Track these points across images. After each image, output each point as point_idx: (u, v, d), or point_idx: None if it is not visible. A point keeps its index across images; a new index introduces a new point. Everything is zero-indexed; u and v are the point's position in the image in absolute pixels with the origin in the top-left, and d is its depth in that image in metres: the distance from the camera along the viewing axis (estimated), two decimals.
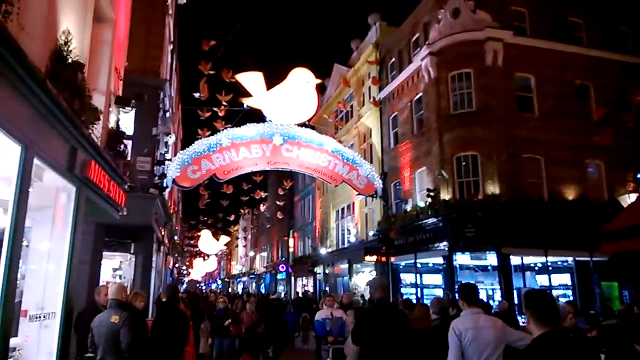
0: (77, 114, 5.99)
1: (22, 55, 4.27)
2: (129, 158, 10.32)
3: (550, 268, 17.79)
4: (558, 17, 20.00)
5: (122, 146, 9.04)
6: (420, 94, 20.76)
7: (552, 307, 3.44)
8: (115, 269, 13.66)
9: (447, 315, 6.09)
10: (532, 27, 19.63)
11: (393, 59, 23.90)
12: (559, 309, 4.24)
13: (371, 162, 23.51)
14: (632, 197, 16.98)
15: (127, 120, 10.77)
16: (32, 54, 4.57)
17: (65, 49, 5.75)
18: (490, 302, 16.50)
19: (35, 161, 5.19)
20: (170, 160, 16.44)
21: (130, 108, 9.69)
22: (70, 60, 5.81)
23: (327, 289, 29.32)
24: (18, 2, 4.21)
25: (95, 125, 6.92)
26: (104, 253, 11.91)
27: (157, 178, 14.56)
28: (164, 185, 15.16)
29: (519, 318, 15.52)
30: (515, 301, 15.74)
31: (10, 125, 4.49)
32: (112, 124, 8.91)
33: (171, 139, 18.66)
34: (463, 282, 17.32)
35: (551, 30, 19.61)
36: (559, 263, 18.12)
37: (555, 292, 17.44)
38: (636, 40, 20.32)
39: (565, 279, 17.98)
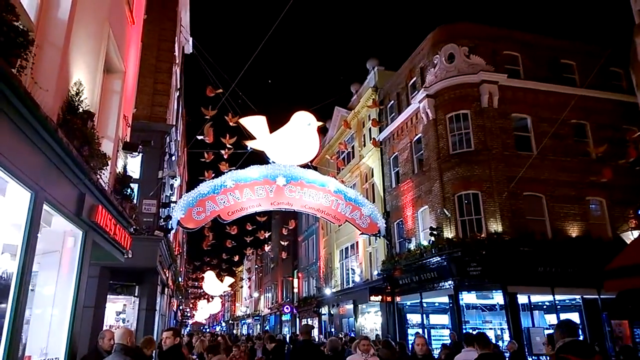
0: (86, 161, 6.17)
1: (35, 106, 4.48)
2: (135, 201, 10.48)
3: (558, 306, 17.60)
4: (550, 60, 20.61)
5: (129, 190, 9.21)
6: (420, 135, 21.12)
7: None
8: (119, 312, 13.61)
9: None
10: (525, 70, 20.21)
11: (392, 101, 24.40)
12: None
13: (373, 201, 23.68)
14: (635, 233, 17.00)
15: (134, 165, 11.02)
16: (45, 105, 4.78)
17: (77, 99, 5.99)
18: (499, 342, 16.30)
19: (45, 207, 5.28)
20: (175, 202, 16.63)
21: (137, 153, 9.91)
22: (81, 110, 6.04)
23: (333, 330, 28.91)
24: (33, 57, 4.46)
25: (103, 171, 7.11)
26: (108, 296, 11.91)
27: (162, 220, 14.70)
28: (169, 226, 15.30)
29: (529, 359, 15.37)
30: (524, 341, 15.52)
31: (21, 172, 4.62)
32: (119, 168, 9.11)
33: (176, 182, 18.92)
34: (470, 321, 17.31)
35: (544, 72, 20.21)
36: (567, 301, 17.97)
37: None
38: (629, 80, 20.79)
39: (574, 317, 17.64)
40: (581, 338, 15.87)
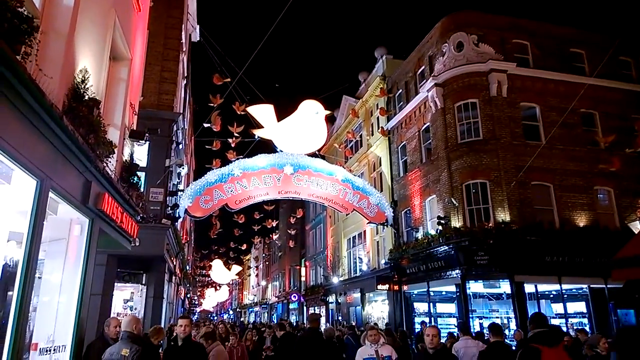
0: (92, 148, 6.16)
1: (40, 93, 4.46)
2: (142, 189, 10.50)
3: (565, 296, 17.57)
4: (560, 49, 20.41)
5: (136, 178, 9.22)
6: (428, 124, 21.01)
7: None
8: (127, 300, 13.72)
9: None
10: (534, 59, 20.01)
11: (400, 90, 24.26)
12: None
13: (381, 190, 23.64)
14: None
15: (141, 153, 11.03)
16: (50, 92, 4.76)
17: (82, 86, 5.97)
18: (506, 331, 16.30)
19: (51, 194, 5.29)
20: (182, 190, 16.67)
21: (144, 141, 9.90)
22: (86, 97, 6.02)
23: (340, 318, 29.04)
24: (37, 44, 4.44)
25: (109, 159, 7.11)
26: (115, 284, 11.99)
27: (169, 208, 14.75)
28: (177, 215, 15.36)
29: None
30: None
31: (27, 160, 4.62)
32: (126, 156, 9.11)
33: (184, 170, 18.95)
34: (477, 310, 17.30)
35: (554, 61, 20.00)
36: (574, 290, 17.92)
37: (571, 321, 17.22)
38: (639, 69, 20.52)
39: (580, 306, 17.71)
40: (587, 327, 15.77)
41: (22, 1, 4.02)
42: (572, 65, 20.33)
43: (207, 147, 17.96)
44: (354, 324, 22.01)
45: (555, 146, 18.35)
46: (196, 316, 53.25)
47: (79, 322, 6.69)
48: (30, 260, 4.83)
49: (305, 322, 28.85)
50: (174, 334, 8.65)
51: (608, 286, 16.87)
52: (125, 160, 9.04)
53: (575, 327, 15.14)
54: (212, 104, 15.59)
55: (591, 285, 17.22)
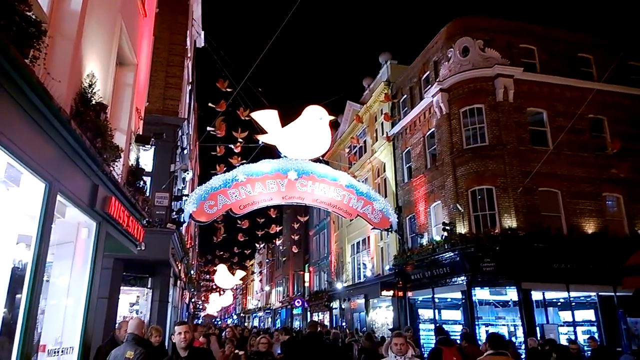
0: (99, 153, 6.18)
1: (48, 97, 4.48)
2: (147, 194, 10.52)
3: (573, 303, 17.39)
4: (567, 54, 20.33)
5: (142, 182, 9.25)
6: (433, 129, 20.96)
7: None
8: (133, 303, 13.72)
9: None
10: (541, 64, 19.94)
11: (405, 96, 24.24)
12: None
13: (385, 196, 23.60)
14: None
15: (146, 158, 11.06)
16: (58, 96, 4.78)
17: (90, 91, 6.00)
18: (513, 339, 16.17)
19: (59, 198, 5.32)
20: (187, 195, 16.68)
21: (149, 146, 9.94)
22: (94, 102, 6.05)
23: (344, 324, 28.92)
24: (45, 47, 4.45)
25: (116, 163, 7.13)
26: (121, 288, 12.00)
27: (174, 213, 14.76)
28: (181, 220, 15.35)
29: None
30: (538, 337, 15.33)
31: (36, 163, 4.64)
32: (132, 161, 9.14)
33: (188, 175, 18.97)
34: (483, 317, 17.18)
35: (561, 66, 19.91)
36: (582, 298, 17.75)
37: (579, 329, 17.04)
38: None
39: (589, 314, 17.52)
40: (595, 335, 15.64)
41: (30, 5, 4.03)
42: (580, 70, 20.21)
43: (212, 153, 17.98)
44: (364, 330, 21.86)
45: (563, 152, 18.24)
46: (200, 320, 53.19)
47: (86, 325, 6.73)
48: (39, 263, 4.88)
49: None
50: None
51: (617, 294, 16.69)
52: (132, 164, 9.06)
53: (589, 335, 14.94)
54: (217, 108, 15.59)
55: (600, 293, 17.05)
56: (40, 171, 4.77)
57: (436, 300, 19.71)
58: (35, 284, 4.81)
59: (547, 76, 19.49)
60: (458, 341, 13.00)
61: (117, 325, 6.66)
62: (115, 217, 7.19)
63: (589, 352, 11.39)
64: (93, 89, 6.08)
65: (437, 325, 11.61)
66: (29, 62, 4.10)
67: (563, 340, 14.89)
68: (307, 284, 41.43)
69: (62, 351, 6.43)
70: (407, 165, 23.56)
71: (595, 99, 17.70)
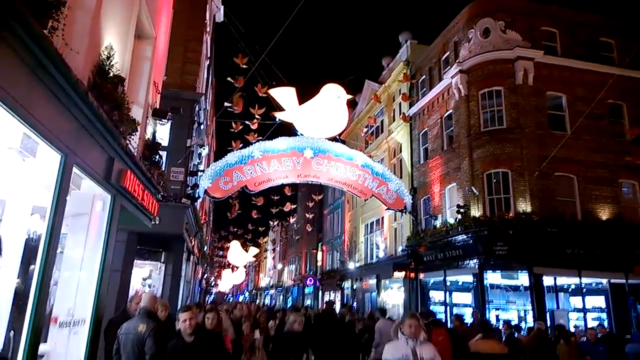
0: (115, 125, 6.21)
1: (66, 68, 4.48)
2: (163, 168, 10.58)
3: (584, 289, 17.32)
4: (589, 38, 19.90)
5: (157, 156, 9.29)
6: (451, 111, 20.74)
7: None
8: (145, 277, 13.90)
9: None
10: (562, 47, 19.56)
11: (423, 76, 23.97)
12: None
13: (401, 177, 23.50)
14: None
15: (163, 132, 11.09)
16: (75, 68, 4.78)
17: (107, 63, 6.00)
18: (522, 323, 16.18)
19: (74, 170, 5.35)
20: (203, 171, 16.77)
21: (166, 120, 9.97)
22: (111, 74, 6.06)
23: (356, 304, 29.13)
24: (64, 19, 4.44)
25: (132, 136, 7.16)
26: (135, 261, 12.15)
27: (189, 188, 14.85)
28: (196, 195, 15.46)
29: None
30: (549, 323, 15.32)
31: (52, 134, 4.67)
32: (148, 135, 9.18)
33: (204, 151, 19.05)
34: (494, 301, 17.17)
35: (582, 50, 19.52)
36: (593, 285, 17.65)
37: (589, 315, 16.99)
38: None
39: (599, 301, 17.46)
40: (605, 323, 15.54)
41: None
42: (601, 54, 19.77)
43: (231, 130, 17.95)
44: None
45: (580, 137, 17.96)
46: (212, 296, 53.88)
47: (98, 297, 6.79)
48: (53, 234, 4.90)
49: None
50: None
51: (629, 281, 16.64)
52: (148, 138, 9.11)
53: (599, 322, 14.90)
54: (235, 84, 15.54)
55: (611, 280, 16.93)
56: (56, 143, 4.79)
57: (448, 282, 19.73)
58: (48, 256, 4.83)
59: (567, 60, 19.12)
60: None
61: (129, 298, 6.67)
62: (130, 190, 7.24)
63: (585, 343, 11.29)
64: (111, 61, 6.08)
65: (426, 309, 14.06)
66: (48, 33, 4.10)
67: (571, 327, 14.88)
68: (319, 263, 41.68)
69: (74, 323, 6.48)
70: (424, 146, 23.40)
71: (616, 84, 17.34)
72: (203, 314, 6.33)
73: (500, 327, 12.66)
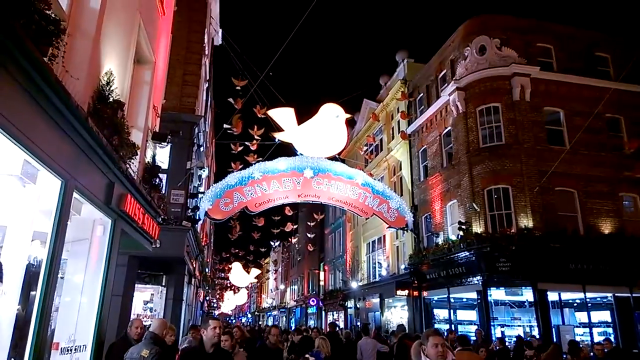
0: (115, 150, 6.23)
1: (66, 94, 4.51)
2: (163, 191, 10.58)
3: (589, 304, 17.21)
4: (585, 53, 20.10)
5: (158, 180, 9.30)
6: (449, 128, 20.83)
7: None
8: (147, 301, 13.81)
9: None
10: (558, 63, 19.75)
11: (421, 94, 24.13)
12: None
13: (401, 195, 23.49)
14: None
15: (162, 155, 11.13)
16: (75, 93, 4.82)
17: (107, 88, 6.04)
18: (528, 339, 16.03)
19: (75, 195, 5.36)
20: (203, 193, 16.77)
21: (166, 143, 10.00)
22: (111, 99, 6.10)
23: (359, 323, 28.86)
24: (64, 46, 4.49)
25: (132, 160, 7.18)
26: (135, 285, 12.08)
27: (190, 211, 14.83)
28: (197, 217, 15.44)
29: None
30: (554, 339, 15.19)
31: (52, 160, 4.68)
32: (148, 158, 9.19)
33: (204, 173, 19.07)
34: (499, 318, 17.04)
35: (578, 65, 19.71)
36: (598, 299, 17.54)
37: (595, 330, 16.85)
38: None
39: (605, 315, 17.33)
40: (611, 337, 15.43)
41: (50, 3, 4.07)
42: (597, 69, 19.97)
43: (231, 151, 18.01)
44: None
45: (579, 151, 18.04)
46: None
47: (99, 323, 6.75)
48: (54, 260, 4.90)
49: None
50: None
51: (634, 295, 16.55)
52: (148, 162, 9.12)
53: (605, 337, 14.79)
54: (234, 105, 15.64)
55: (616, 294, 16.84)
56: (56, 168, 4.80)
57: (451, 300, 19.59)
58: (49, 281, 4.82)
59: (564, 75, 19.29)
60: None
61: (130, 323, 6.64)
62: (131, 214, 7.23)
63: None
64: (111, 86, 6.12)
65: (399, 324, 14.99)
66: (48, 60, 4.14)
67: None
68: (322, 283, 41.41)
69: (75, 349, 6.45)
70: (423, 163, 23.44)
71: (613, 98, 17.47)
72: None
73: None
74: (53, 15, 4.13)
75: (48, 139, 4.58)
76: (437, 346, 3.60)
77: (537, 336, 15.29)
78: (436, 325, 20.38)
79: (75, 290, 6.70)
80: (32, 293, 4.93)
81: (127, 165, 6.93)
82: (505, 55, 18.83)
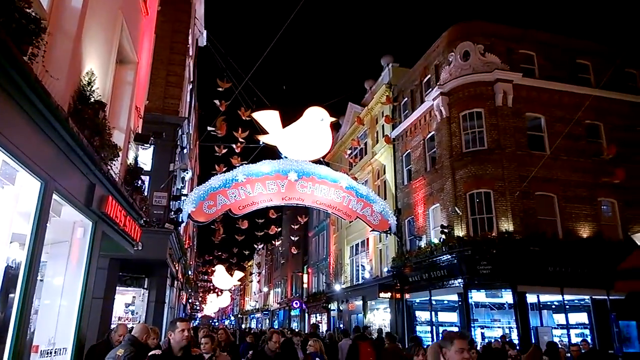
0: (96, 151, 6.16)
1: (46, 94, 4.46)
2: (146, 193, 10.49)
3: (567, 306, 17.51)
4: (566, 60, 20.43)
5: (140, 181, 9.21)
6: (433, 132, 21.00)
7: None
8: (128, 304, 13.67)
9: None
10: (540, 69, 20.04)
11: (406, 99, 24.29)
12: None
13: (385, 198, 23.60)
14: None
15: (145, 157, 11.03)
16: (56, 94, 4.76)
17: (88, 89, 5.96)
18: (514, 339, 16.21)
19: (54, 196, 5.27)
20: (186, 195, 16.66)
21: (149, 145, 9.92)
22: (92, 100, 6.02)
23: (342, 325, 28.89)
24: (44, 45, 4.44)
25: (114, 162, 7.11)
26: (117, 288, 11.94)
27: (172, 213, 14.73)
28: (180, 220, 15.33)
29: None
30: (532, 340, 15.37)
31: (31, 161, 4.60)
32: (130, 160, 9.10)
33: (188, 175, 18.96)
34: (479, 319, 17.21)
35: (560, 72, 20.02)
36: (576, 301, 17.87)
37: (572, 331, 17.11)
38: None
39: (582, 317, 17.67)
40: (588, 338, 15.65)
41: (30, 2, 4.02)
42: (578, 76, 20.32)
43: (215, 153, 17.92)
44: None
45: (559, 157, 18.33)
46: (197, 321, 53.04)
47: (80, 326, 6.66)
48: (33, 262, 4.81)
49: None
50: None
51: (610, 297, 16.86)
52: (130, 163, 9.04)
53: (582, 338, 15.03)
54: (220, 108, 15.59)
55: (593, 297, 17.16)
56: (36, 169, 4.72)
57: (433, 302, 19.73)
58: (28, 284, 4.74)
59: (545, 82, 19.59)
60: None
61: (114, 327, 6.56)
62: (112, 216, 7.15)
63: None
64: (92, 86, 6.05)
65: (356, 325, 15.94)
66: (28, 59, 4.09)
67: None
68: (305, 285, 41.40)
69: (55, 352, 6.35)
70: (407, 167, 23.57)
71: (593, 105, 17.81)
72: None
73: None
74: (33, 14, 4.07)
75: (27, 139, 4.51)
76: (462, 351, 3.19)
77: (516, 338, 15.50)
78: (418, 328, 20.52)
79: (55, 293, 6.59)
80: (11, 295, 4.83)
81: (109, 167, 6.86)
82: (488, 61, 19.06)
